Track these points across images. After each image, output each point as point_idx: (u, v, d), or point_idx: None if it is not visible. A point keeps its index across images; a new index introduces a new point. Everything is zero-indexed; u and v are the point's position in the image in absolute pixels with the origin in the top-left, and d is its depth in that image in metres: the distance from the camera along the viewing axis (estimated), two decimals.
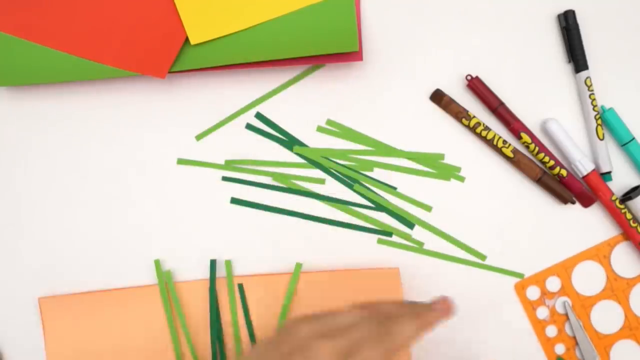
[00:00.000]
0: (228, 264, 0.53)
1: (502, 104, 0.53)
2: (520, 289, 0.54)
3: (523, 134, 0.53)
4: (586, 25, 0.54)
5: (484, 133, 0.53)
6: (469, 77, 0.53)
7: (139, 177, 0.54)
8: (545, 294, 0.54)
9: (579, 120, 0.54)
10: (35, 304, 0.53)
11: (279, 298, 0.53)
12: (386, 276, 0.53)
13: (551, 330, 0.55)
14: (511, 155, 0.53)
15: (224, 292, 0.53)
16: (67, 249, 0.54)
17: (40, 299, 0.52)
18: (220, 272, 0.54)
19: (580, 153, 0.53)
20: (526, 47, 0.54)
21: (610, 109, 0.53)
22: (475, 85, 0.53)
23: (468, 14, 0.54)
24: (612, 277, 0.55)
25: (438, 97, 0.53)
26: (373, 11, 0.54)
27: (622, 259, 0.55)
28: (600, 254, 0.55)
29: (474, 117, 0.53)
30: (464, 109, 0.53)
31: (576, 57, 0.53)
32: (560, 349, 0.55)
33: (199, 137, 0.54)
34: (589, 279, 0.55)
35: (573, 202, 0.54)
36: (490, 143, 0.53)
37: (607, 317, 0.55)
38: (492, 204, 0.54)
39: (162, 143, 0.54)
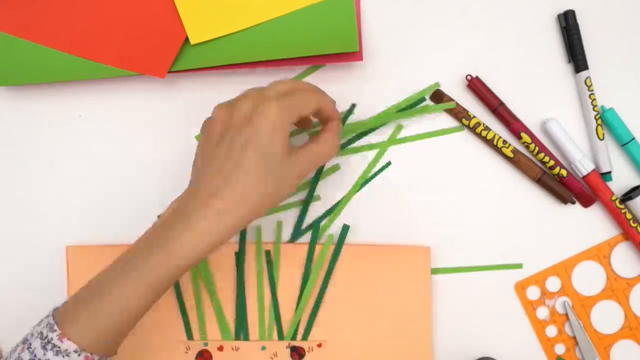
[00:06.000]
0: (259, 229, 0.53)
1: (502, 104, 0.53)
2: (520, 289, 0.54)
3: (523, 134, 0.53)
4: (586, 25, 0.54)
5: (484, 133, 0.53)
6: (469, 77, 0.53)
7: (139, 176, 0.54)
8: (545, 294, 0.54)
9: (579, 120, 0.54)
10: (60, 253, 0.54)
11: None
12: (417, 254, 0.53)
13: (551, 330, 0.55)
14: (511, 155, 0.53)
15: (251, 259, 0.53)
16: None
17: (67, 247, 0.53)
18: (249, 238, 0.53)
19: (580, 153, 0.53)
20: (526, 47, 0.54)
21: (610, 109, 0.53)
22: (475, 85, 0.53)
23: (468, 14, 0.54)
24: (612, 277, 0.55)
25: (438, 97, 0.53)
26: (373, 11, 0.54)
27: (622, 259, 0.55)
28: (600, 254, 0.55)
29: (474, 117, 0.53)
30: (464, 109, 0.53)
31: (576, 57, 0.53)
32: (560, 349, 0.55)
33: (198, 137, 0.54)
34: (589, 279, 0.55)
35: (573, 202, 0.54)
36: (490, 143, 0.53)
37: (607, 317, 0.55)
38: (492, 204, 0.54)
39: (162, 143, 0.54)
